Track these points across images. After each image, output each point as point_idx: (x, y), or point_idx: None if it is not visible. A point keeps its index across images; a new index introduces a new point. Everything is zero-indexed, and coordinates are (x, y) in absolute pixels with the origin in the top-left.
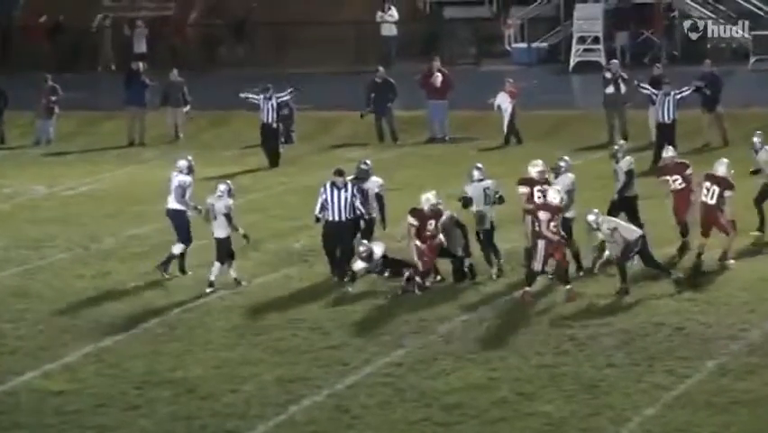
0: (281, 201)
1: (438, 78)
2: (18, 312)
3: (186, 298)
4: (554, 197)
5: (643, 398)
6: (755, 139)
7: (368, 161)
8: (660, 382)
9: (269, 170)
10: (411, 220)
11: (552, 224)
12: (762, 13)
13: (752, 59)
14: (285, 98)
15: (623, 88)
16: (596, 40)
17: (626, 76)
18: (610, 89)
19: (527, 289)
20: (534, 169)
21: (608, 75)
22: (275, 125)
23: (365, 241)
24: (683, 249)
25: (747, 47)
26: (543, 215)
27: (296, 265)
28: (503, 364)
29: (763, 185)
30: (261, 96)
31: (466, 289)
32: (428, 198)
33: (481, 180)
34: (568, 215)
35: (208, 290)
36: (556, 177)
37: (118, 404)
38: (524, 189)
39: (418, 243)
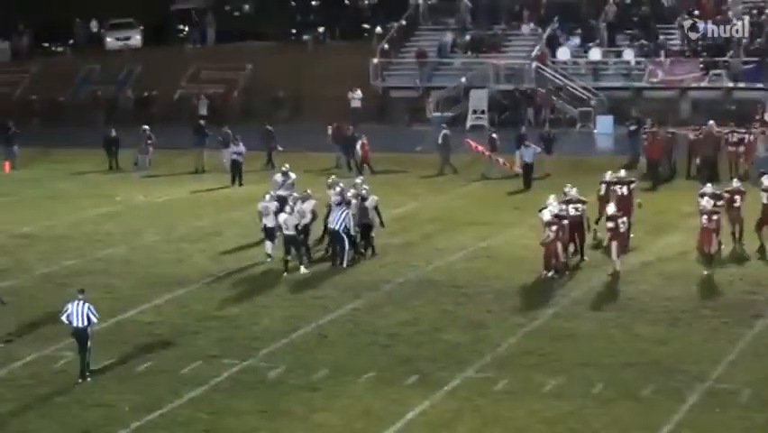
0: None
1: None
2: (122, 275)
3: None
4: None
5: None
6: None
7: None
8: (519, 321)
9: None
10: None
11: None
12: (584, 98)
13: (578, 126)
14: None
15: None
16: (483, 111)
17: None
18: (439, 140)
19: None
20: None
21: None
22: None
23: None
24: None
25: (575, 118)
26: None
27: None
28: (422, 309)
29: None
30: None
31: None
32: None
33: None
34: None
35: None
36: (303, 202)
37: None
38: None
39: None
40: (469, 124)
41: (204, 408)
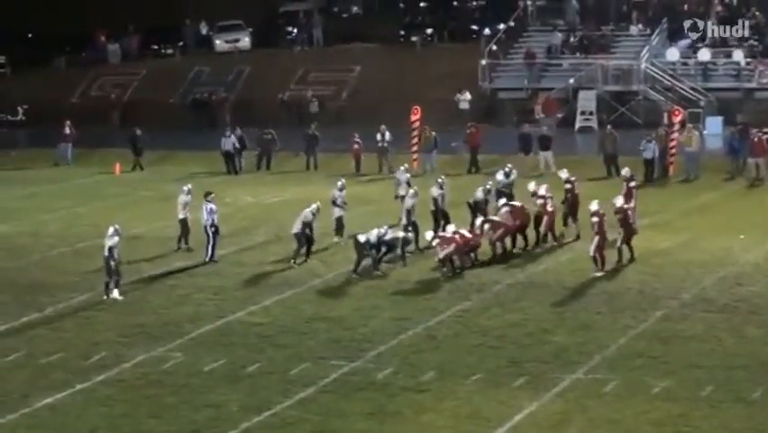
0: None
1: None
2: (231, 276)
3: None
4: None
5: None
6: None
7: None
8: (628, 323)
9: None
10: None
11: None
12: (694, 99)
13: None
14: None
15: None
16: (591, 113)
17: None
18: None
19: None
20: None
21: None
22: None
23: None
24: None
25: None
26: None
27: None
28: (531, 310)
29: None
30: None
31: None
32: None
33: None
34: None
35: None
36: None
37: None
38: None
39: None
40: (578, 125)
41: (312, 409)
